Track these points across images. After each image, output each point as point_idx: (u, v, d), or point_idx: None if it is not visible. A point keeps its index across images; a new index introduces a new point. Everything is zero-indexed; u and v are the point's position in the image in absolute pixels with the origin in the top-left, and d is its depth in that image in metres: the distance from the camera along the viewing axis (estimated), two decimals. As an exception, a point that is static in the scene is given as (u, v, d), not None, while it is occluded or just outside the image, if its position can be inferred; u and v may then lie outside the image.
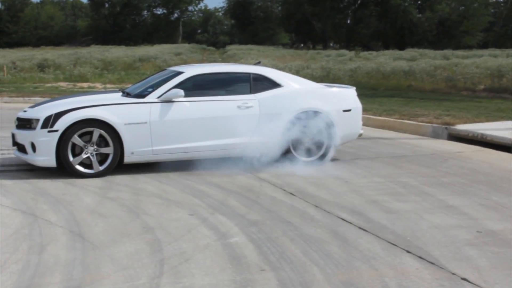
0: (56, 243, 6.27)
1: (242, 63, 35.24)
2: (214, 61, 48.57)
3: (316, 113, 10.29)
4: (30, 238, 6.42)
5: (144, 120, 9.55)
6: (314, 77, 28.84)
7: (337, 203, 7.89)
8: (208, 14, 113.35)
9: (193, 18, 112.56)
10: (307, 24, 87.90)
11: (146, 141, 9.55)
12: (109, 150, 9.46)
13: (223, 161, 9.99)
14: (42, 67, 35.49)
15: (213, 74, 10.53)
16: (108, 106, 9.58)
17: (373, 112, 17.28)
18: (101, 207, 7.60)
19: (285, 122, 10.11)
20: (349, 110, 10.74)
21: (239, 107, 10.07)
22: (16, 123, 9.80)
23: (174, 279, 5.29)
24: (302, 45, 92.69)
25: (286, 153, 10.18)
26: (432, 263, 5.70)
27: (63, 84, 28.46)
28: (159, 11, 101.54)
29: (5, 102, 21.08)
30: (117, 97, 10.27)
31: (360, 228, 6.81)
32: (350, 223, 7.00)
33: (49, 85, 27.85)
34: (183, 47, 67.10)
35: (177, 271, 5.47)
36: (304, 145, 10.32)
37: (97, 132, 9.36)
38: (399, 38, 79.04)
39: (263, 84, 10.46)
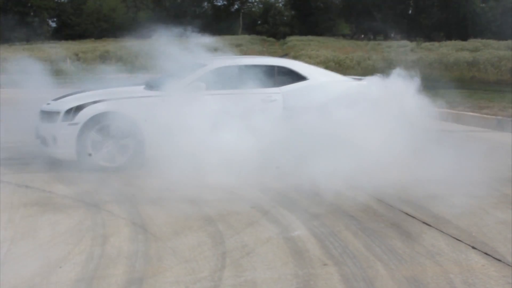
0: (119, 234, 6.32)
1: (302, 54, 35.08)
2: (274, 52, 48.46)
3: (339, 106, 9.76)
4: (93, 230, 6.49)
5: (165, 113, 9.45)
6: (376, 68, 28.60)
7: (400, 196, 7.78)
8: (268, 5, 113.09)
9: (253, 9, 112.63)
10: (368, 14, 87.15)
11: (167, 134, 9.33)
12: (130, 143, 9.46)
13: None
14: (104, 58, 35.95)
15: (237, 67, 10.34)
16: (128, 99, 9.63)
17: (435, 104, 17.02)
18: (163, 200, 7.62)
19: (308, 116, 9.63)
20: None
21: (263, 100, 9.94)
22: (40, 116, 9.83)
23: (236, 272, 5.28)
24: (362, 36, 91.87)
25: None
26: (499, 260, 5.57)
27: (124, 75, 28.75)
28: (220, 2, 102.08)
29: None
30: (140, 90, 10.15)
31: (424, 222, 6.70)
32: (414, 217, 6.90)
33: (111, 76, 28.18)
34: (244, 39, 67.05)
35: (239, 264, 5.47)
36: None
37: (117, 125, 9.36)
38: (462, 28, 77.74)
39: (288, 77, 10.29)
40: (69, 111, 9.33)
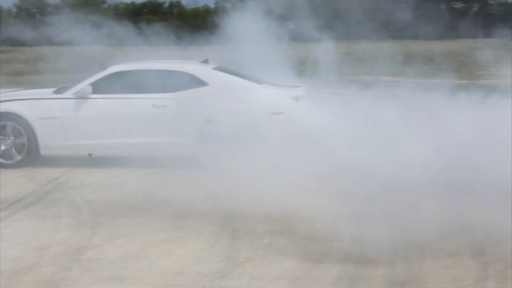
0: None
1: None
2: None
3: (232, 113, 9.63)
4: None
5: (57, 115, 10.04)
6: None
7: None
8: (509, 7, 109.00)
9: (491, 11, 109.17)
10: None
11: (59, 135, 10.01)
12: (24, 142, 10.07)
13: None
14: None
15: (136, 72, 10.43)
16: (24, 100, 10.35)
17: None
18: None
19: (200, 122, 9.81)
20: (280, 113, 9.86)
21: (154, 105, 9.97)
22: None
23: (500, 284, 5.13)
24: None
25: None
26: None
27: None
28: (458, 5, 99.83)
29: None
30: (46, 92, 10.76)
31: None
32: None
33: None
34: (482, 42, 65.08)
35: (503, 276, 5.29)
36: (223, 147, 9.64)
37: (11, 125, 10.09)
38: None
39: (187, 82, 10.18)
40: None
